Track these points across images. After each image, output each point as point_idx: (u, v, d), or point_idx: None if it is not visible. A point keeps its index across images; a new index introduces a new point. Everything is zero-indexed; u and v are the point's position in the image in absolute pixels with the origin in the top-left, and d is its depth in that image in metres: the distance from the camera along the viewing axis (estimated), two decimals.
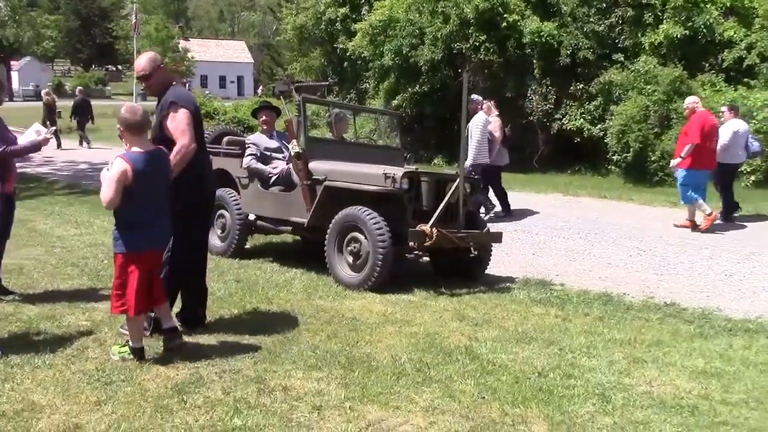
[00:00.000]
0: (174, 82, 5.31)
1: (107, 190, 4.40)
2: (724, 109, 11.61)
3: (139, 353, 4.61)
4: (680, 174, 10.57)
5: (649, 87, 16.30)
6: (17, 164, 6.22)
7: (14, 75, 59.98)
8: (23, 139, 6.24)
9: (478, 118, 10.50)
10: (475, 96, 11.09)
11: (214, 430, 3.65)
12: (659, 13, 17.35)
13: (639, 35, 17.77)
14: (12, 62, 60.58)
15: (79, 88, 27.26)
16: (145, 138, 4.63)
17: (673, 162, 10.79)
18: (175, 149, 4.90)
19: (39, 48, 60.10)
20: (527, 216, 11.72)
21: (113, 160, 4.48)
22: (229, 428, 3.68)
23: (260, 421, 3.77)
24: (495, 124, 11.08)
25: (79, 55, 74.85)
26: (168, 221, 4.76)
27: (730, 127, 11.03)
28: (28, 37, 53.69)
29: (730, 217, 11.17)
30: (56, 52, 69.72)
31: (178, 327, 4.95)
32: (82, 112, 23.53)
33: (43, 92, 24.64)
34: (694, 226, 10.59)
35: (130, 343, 4.64)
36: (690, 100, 10.97)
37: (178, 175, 4.86)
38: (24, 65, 63.98)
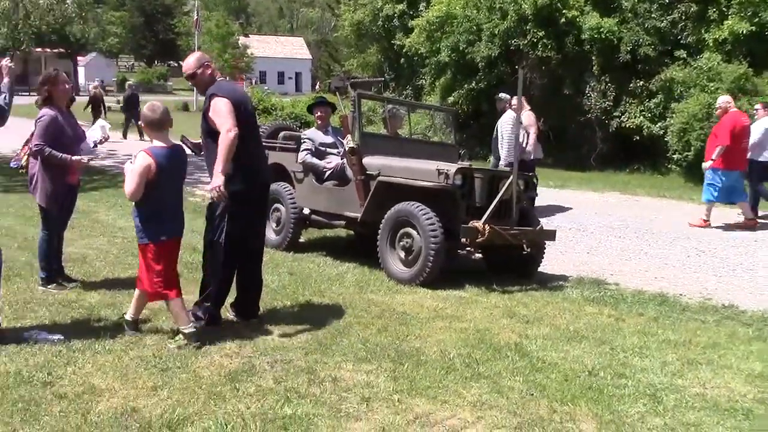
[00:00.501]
0: (221, 78, 5.38)
1: (131, 182, 4.65)
2: (758, 106, 11.51)
3: (191, 337, 4.75)
4: (708, 174, 10.54)
5: (712, 84, 15.90)
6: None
7: (80, 70, 61.68)
8: (89, 133, 6.46)
9: (507, 116, 10.44)
10: (502, 94, 11.33)
11: (265, 418, 3.73)
12: (724, 9, 16.89)
13: (702, 31, 17.35)
14: (78, 58, 62.35)
15: (129, 82, 27.89)
16: (165, 134, 4.86)
17: (705, 164, 10.65)
18: (219, 140, 4.94)
19: (104, 44, 61.77)
20: (583, 214, 11.58)
21: (136, 154, 4.70)
22: (279, 416, 3.75)
23: (310, 410, 3.84)
24: (529, 119, 10.91)
25: (143, 51, 76.59)
26: (182, 212, 5.04)
27: (762, 124, 10.95)
28: (94, 33, 55.13)
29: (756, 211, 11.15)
30: (121, 48, 71.55)
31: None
32: (132, 106, 24.11)
33: (91, 86, 25.16)
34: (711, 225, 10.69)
35: (181, 329, 4.78)
36: (722, 100, 10.85)
37: (227, 167, 4.95)
38: (90, 61, 65.74)
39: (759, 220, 10.77)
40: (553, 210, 11.74)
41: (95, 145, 6.44)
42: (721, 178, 10.40)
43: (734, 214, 11.11)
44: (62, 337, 4.74)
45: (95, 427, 3.56)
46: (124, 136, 23.77)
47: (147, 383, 4.10)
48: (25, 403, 3.75)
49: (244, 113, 5.16)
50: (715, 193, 10.49)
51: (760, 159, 10.87)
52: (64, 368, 4.27)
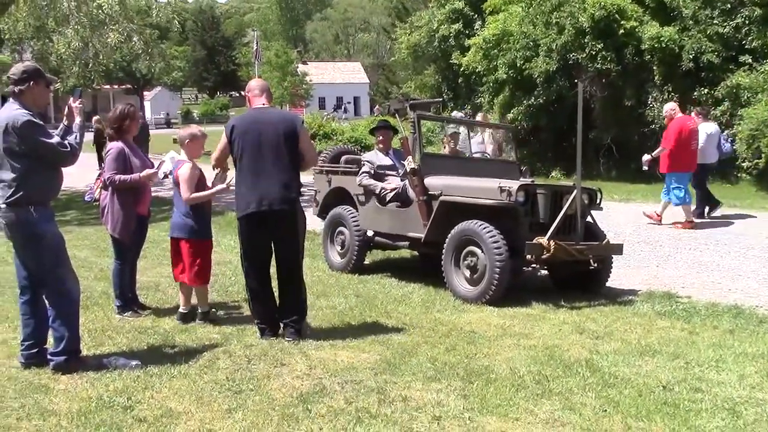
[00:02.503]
0: (259, 106, 5.65)
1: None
2: (693, 114, 12.15)
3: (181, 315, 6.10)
4: (668, 178, 11.23)
5: None
6: (152, 188, 6.64)
7: (146, 104, 63.70)
8: (162, 166, 6.71)
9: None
10: (455, 112, 12.09)
11: None
12: None
13: None
14: (144, 92, 64.40)
15: (139, 113, 28.58)
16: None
17: (645, 157, 11.51)
18: None
19: (169, 78, 63.56)
20: (651, 227, 11.35)
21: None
22: None
23: (381, 430, 3.87)
24: (487, 138, 11.08)
25: (205, 83, 78.34)
26: (190, 215, 6.00)
27: (703, 130, 11.65)
28: (159, 68, 56.97)
29: (710, 214, 11.92)
30: (184, 81, 73.43)
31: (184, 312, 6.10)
32: (142, 138, 24.11)
33: (94, 119, 23.13)
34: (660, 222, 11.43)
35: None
36: (669, 107, 11.78)
37: None
38: (155, 95, 67.83)
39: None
40: (621, 223, 11.54)
41: (165, 177, 6.66)
42: (675, 180, 11.02)
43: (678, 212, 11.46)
44: (139, 363, 4.89)
45: None
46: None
47: (222, 406, 4.20)
48: (107, 427, 3.88)
49: (240, 142, 5.47)
50: (682, 194, 11.02)
51: (705, 162, 11.62)
52: (142, 392, 4.40)
